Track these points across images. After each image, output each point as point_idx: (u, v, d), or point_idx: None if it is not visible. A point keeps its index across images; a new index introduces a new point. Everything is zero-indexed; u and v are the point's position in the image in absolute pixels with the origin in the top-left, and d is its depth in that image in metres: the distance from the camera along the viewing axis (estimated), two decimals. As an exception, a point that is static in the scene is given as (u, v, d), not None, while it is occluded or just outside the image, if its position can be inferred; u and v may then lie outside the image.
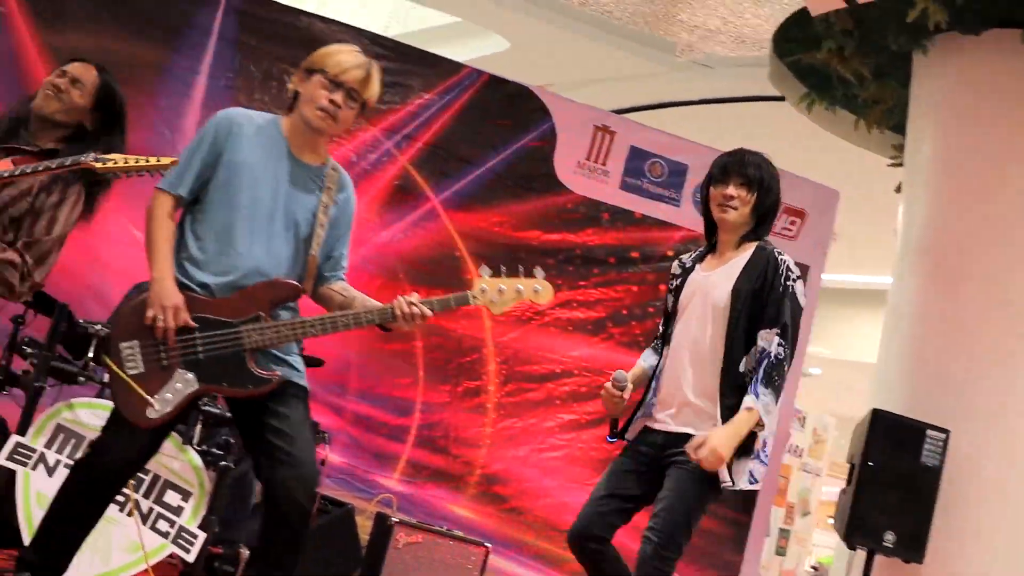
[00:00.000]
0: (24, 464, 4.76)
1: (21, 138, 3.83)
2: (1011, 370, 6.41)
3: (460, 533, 6.01)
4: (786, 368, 4.13)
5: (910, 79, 7.27)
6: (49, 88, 3.78)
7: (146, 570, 4.68)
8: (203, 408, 5.06)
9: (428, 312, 3.75)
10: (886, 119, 7.83)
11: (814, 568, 14.68)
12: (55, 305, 5.09)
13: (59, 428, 4.86)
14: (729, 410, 4.09)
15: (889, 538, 5.96)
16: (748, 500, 7.00)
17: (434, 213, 7.03)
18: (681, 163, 7.30)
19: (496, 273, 3.84)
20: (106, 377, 5.10)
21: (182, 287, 3.70)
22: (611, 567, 4.17)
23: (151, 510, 4.82)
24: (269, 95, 6.82)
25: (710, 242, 4.43)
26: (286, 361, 3.78)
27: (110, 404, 4.89)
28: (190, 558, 4.80)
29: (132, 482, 4.63)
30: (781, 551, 11.26)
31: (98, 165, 3.49)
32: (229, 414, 5.14)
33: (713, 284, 4.25)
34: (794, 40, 7.87)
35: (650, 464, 4.23)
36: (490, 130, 7.11)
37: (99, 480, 3.73)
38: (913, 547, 6.00)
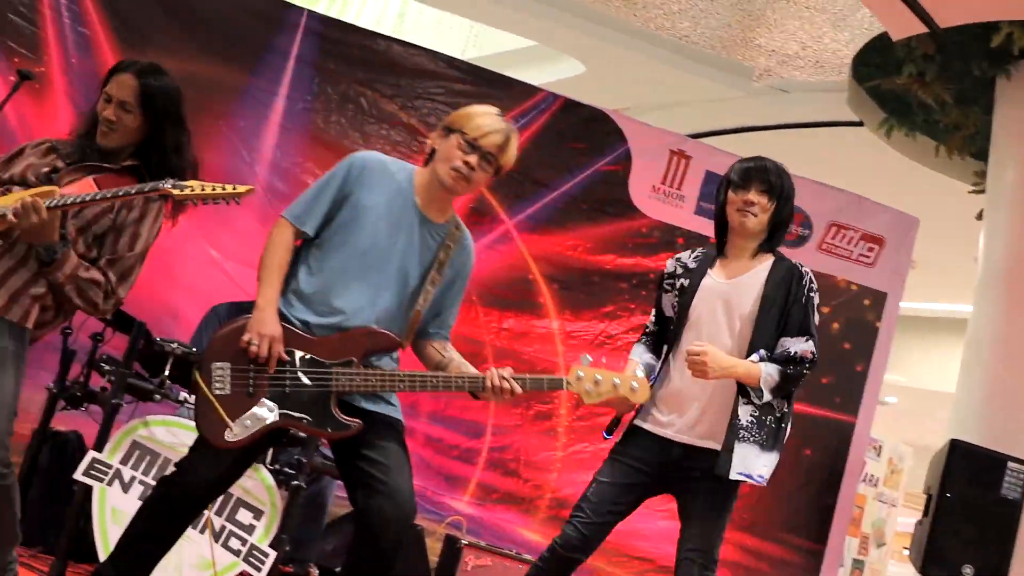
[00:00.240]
0: (100, 480, 4.81)
1: (97, 155, 3.88)
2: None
3: (529, 556, 5.98)
4: (805, 374, 4.18)
5: (993, 105, 7.16)
6: (105, 125, 3.83)
7: (217, 588, 4.72)
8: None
9: (518, 389, 3.72)
10: (967, 145, 7.74)
11: (889, 600, 14.43)
12: (133, 323, 5.15)
13: (135, 445, 4.91)
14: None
15: (967, 572, 5.85)
16: (822, 529, 6.92)
17: (508, 236, 7.03)
18: (757, 188, 7.22)
19: (595, 363, 3.82)
20: (182, 395, 5.17)
21: (282, 318, 3.71)
22: None
23: (223, 528, 4.85)
24: (346, 117, 6.87)
25: (719, 246, 4.40)
26: (381, 397, 3.79)
27: (185, 422, 4.98)
28: (261, 576, 4.82)
29: (206, 501, 4.68)
30: (855, 582, 11.08)
31: (175, 192, 3.52)
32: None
33: (737, 294, 4.23)
34: (874, 65, 7.81)
35: (655, 475, 4.21)
36: (565, 154, 7.10)
37: (181, 499, 3.74)
38: (992, 581, 5.89)
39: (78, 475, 4.80)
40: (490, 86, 7.12)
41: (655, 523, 6.01)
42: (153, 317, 5.56)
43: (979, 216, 7.40)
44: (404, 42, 7.25)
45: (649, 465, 4.23)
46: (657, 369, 4.35)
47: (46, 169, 3.78)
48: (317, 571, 5.70)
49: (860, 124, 8.79)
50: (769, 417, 4.19)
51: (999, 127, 7.10)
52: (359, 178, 3.80)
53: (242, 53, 6.79)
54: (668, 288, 4.41)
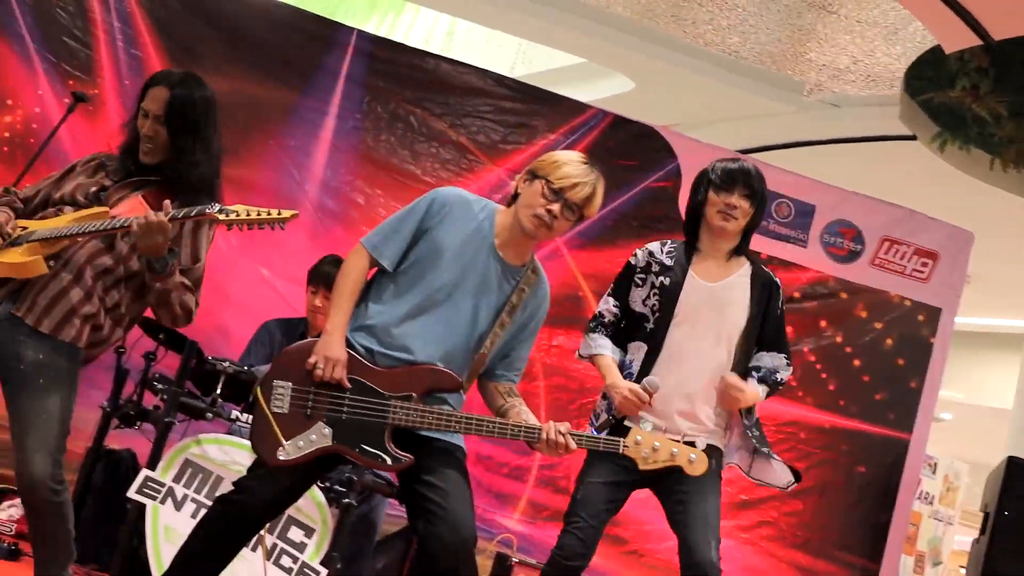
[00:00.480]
0: (153, 498, 4.84)
1: (138, 169, 3.91)
2: None
3: (580, 575, 5.96)
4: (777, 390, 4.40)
5: (1048, 117, 7.08)
6: (145, 142, 3.86)
7: (269, 606, 4.72)
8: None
9: (573, 445, 3.67)
10: (1023, 158, 7.64)
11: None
12: (185, 342, 5.19)
13: (187, 463, 4.94)
14: (723, 426, 4.32)
15: (1025, 591, 5.77)
16: (877, 547, 6.85)
17: (558, 253, 7.01)
18: (808, 204, 7.19)
19: (655, 429, 3.81)
20: (234, 414, 5.20)
21: (348, 345, 3.72)
22: None
23: (275, 546, 4.86)
24: (395, 136, 6.90)
25: (691, 242, 4.40)
26: None
27: (237, 440, 5.00)
28: (312, 594, 4.83)
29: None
30: (911, 601, 10.94)
31: (221, 217, 3.54)
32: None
33: (726, 299, 4.27)
34: (926, 78, 7.74)
35: (643, 476, 4.11)
36: (615, 170, 7.06)
37: (238, 518, 3.75)
38: (1051, 601, 5.80)
39: (131, 493, 4.83)
40: (539, 103, 7.12)
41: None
42: (205, 336, 5.59)
43: (1035, 230, 7.32)
44: (453, 60, 7.27)
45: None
46: (632, 365, 4.31)
47: (94, 189, 3.82)
48: (368, 589, 5.71)
49: (913, 138, 8.71)
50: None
51: (1055, 140, 7.02)
52: (440, 214, 3.80)
53: (292, 73, 6.84)
54: (640, 283, 4.36)
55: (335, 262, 5.29)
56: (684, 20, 9.57)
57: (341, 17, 10.23)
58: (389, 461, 3.67)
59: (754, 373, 4.35)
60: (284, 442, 3.63)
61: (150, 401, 5.39)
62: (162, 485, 4.86)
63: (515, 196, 3.87)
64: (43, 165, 4.78)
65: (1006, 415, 7.11)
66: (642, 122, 7.23)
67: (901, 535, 7.13)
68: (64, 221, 3.67)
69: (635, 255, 4.43)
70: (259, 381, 3.77)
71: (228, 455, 4.94)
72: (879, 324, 7.19)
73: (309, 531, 4.91)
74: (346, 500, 5.02)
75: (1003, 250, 9.87)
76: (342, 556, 5.01)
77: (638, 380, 4.24)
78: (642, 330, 4.30)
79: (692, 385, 4.23)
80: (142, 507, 4.84)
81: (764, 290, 4.32)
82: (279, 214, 3.56)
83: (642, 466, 3.74)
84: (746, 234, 4.37)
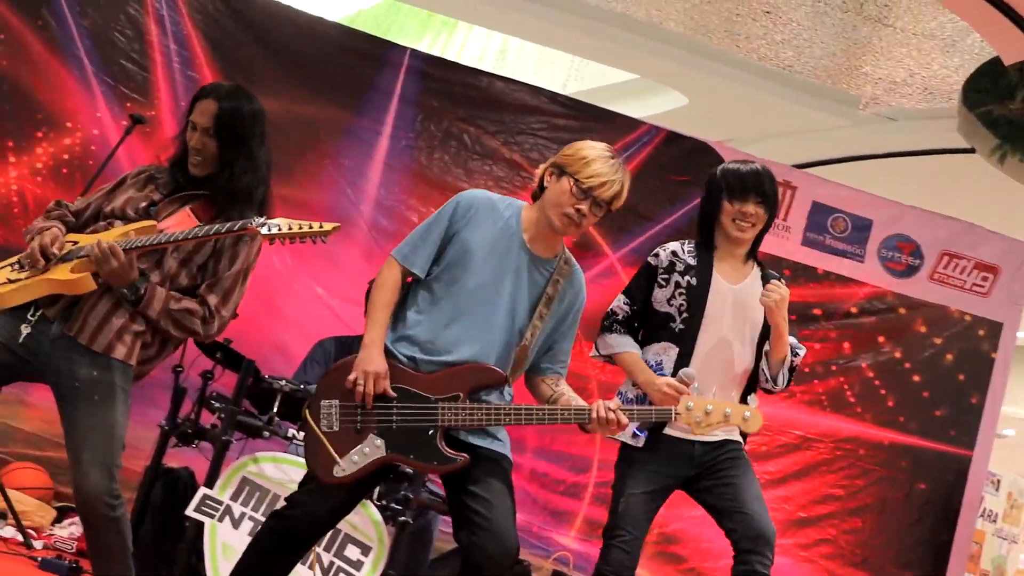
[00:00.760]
0: (211, 516, 4.86)
1: (188, 182, 3.93)
2: None
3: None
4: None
5: (1110, 129, 6.98)
6: (194, 155, 3.87)
7: (326, 624, 4.73)
8: (383, 463, 5.10)
9: (625, 420, 3.69)
10: (1084, 170, 7.54)
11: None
12: (242, 361, 5.22)
13: (244, 481, 4.96)
14: None
15: (1092, 611, 5.66)
16: (938, 566, 6.77)
17: (612, 270, 7.00)
18: (865, 218, 7.14)
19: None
20: (290, 432, 5.22)
21: (390, 355, 3.73)
22: None
23: (332, 564, 4.87)
24: (449, 154, 6.92)
25: (708, 244, 4.36)
26: (489, 432, 3.78)
27: (294, 458, 5.02)
28: (369, 612, 4.83)
29: (313, 536, 4.70)
30: (975, 620, 10.79)
31: (263, 231, 3.55)
32: (409, 469, 5.19)
33: (747, 303, 4.24)
34: (985, 90, 7.66)
35: (680, 476, 4.20)
36: (669, 186, 7.06)
37: (291, 533, 3.77)
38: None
39: (189, 511, 4.86)
40: (592, 120, 7.12)
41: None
42: (261, 354, 5.62)
43: (1098, 243, 7.20)
44: (506, 78, 7.29)
45: (676, 467, 4.20)
46: (663, 366, 4.26)
47: (144, 203, 3.84)
48: (424, 607, 5.70)
49: (971, 151, 8.61)
50: None
51: (1117, 151, 6.92)
52: (466, 217, 3.81)
53: (346, 93, 6.88)
54: (663, 283, 4.31)
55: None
56: (737, 35, 9.53)
57: (394, 36, 10.31)
58: (444, 463, 3.67)
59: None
60: (339, 459, 3.65)
61: (208, 420, 5.43)
62: (220, 503, 4.89)
63: (541, 188, 3.86)
64: (101, 186, 4.84)
65: (1070, 431, 7.00)
66: (696, 138, 7.21)
67: (964, 554, 7.04)
68: (113, 235, 3.69)
69: (656, 255, 4.38)
70: (306, 403, 3.79)
71: (285, 473, 4.96)
72: (938, 339, 7.12)
73: (366, 549, 4.92)
74: (402, 518, 5.03)
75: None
76: (398, 574, 5.01)
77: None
78: (668, 330, 4.25)
79: (724, 385, 4.19)
80: (200, 525, 4.86)
81: None
82: (320, 227, 3.56)
83: (697, 431, 3.76)
84: (757, 240, 4.36)
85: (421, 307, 3.79)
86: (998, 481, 10.89)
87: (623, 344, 4.31)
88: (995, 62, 7.14)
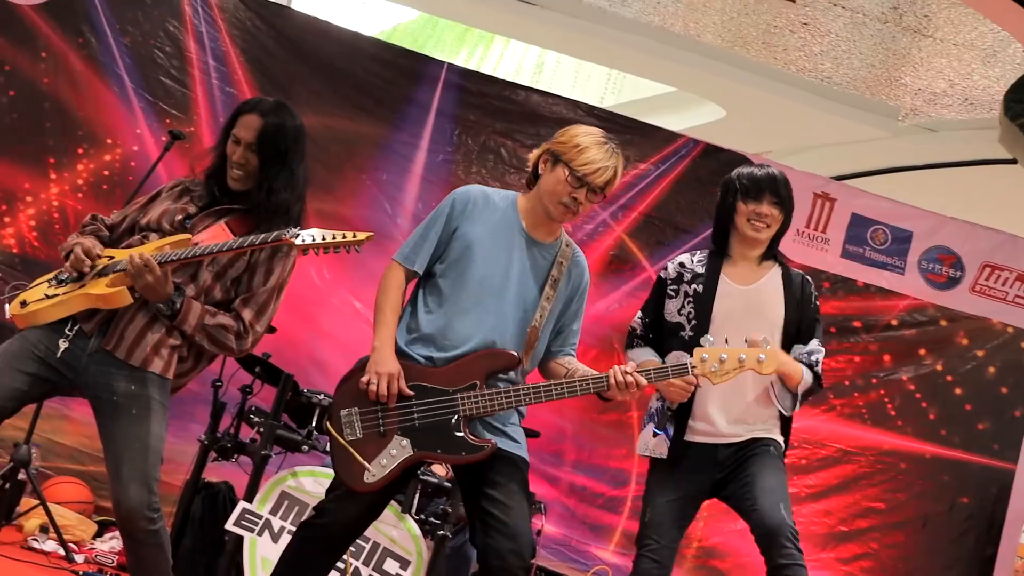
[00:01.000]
0: (251, 530, 4.88)
1: (224, 196, 3.94)
2: None
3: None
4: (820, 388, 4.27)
5: None
6: (235, 167, 3.88)
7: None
8: (421, 477, 5.11)
9: (643, 381, 3.70)
10: None
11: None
12: (281, 376, 5.24)
13: (284, 495, 4.97)
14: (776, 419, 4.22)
15: None
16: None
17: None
18: (905, 230, 7.09)
19: (718, 342, 3.79)
20: (329, 446, 5.23)
21: (405, 356, 3.76)
22: None
23: (370, 578, 4.88)
24: (486, 168, 6.93)
25: (721, 250, 4.34)
26: (504, 432, 3.79)
27: (333, 472, 5.02)
28: (407, 627, 4.83)
29: (352, 549, 4.71)
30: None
31: (296, 242, 3.56)
32: (447, 483, 5.19)
33: (760, 301, 4.22)
34: (1026, 100, 7.59)
35: (708, 481, 4.17)
36: (707, 199, 7.03)
37: (323, 541, 3.80)
38: None
39: (229, 525, 4.88)
40: (630, 133, 7.11)
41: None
42: (300, 369, 5.65)
43: None
44: (543, 91, 7.30)
45: (703, 473, 4.18)
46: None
47: (180, 216, 3.86)
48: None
49: (1012, 162, 8.53)
50: None
51: None
52: (463, 212, 3.86)
53: (384, 107, 6.92)
54: (672, 294, 4.31)
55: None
56: (775, 47, 9.49)
57: (431, 51, 10.34)
58: (472, 452, 3.68)
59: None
60: (367, 465, 3.66)
61: (247, 434, 5.45)
62: (259, 517, 4.90)
63: (535, 176, 3.90)
64: (137, 199, 4.87)
65: (1116, 444, 6.90)
66: (734, 150, 7.19)
67: (1008, 569, 6.96)
68: (148, 249, 3.71)
69: (665, 268, 4.42)
70: (326, 416, 3.80)
71: (324, 487, 4.94)
72: (980, 352, 7.06)
73: (404, 563, 4.92)
74: (440, 532, 5.03)
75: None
76: (437, 588, 5.01)
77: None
78: (679, 339, 4.25)
79: (747, 387, 4.16)
80: (240, 539, 4.88)
81: (796, 287, 4.27)
82: (354, 236, 3.57)
83: (715, 380, 3.77)
84: (775, 240, 4.32)
85: (430, 306, 3.82)
86: (1043, 494, 10.74)
87: (642, 356, 4.32)
88: (1037, 71, 7.07)
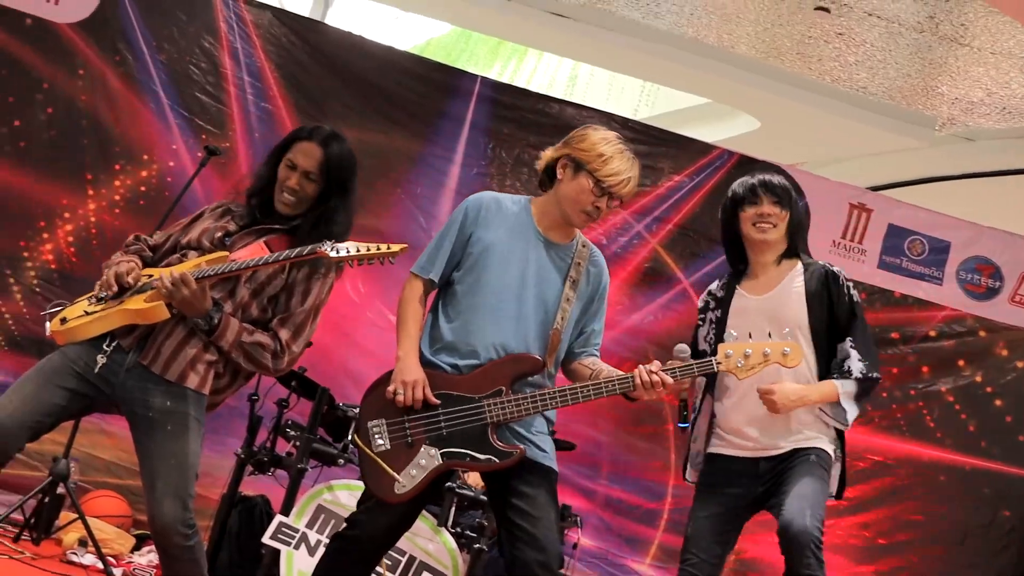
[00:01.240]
0: (288, 544, 4.89)
1: (266, 217, 3.95)
2: None
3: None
4: (874, 375, 4.12)
5: None
6: (288, 192, 3.89)
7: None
8: (457, 491, 5.10)
9: (669, 380, 3.69)
10: None
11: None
12: (317, 389, 5.25)
13: (320, 509, 4.98)
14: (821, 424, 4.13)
15: None
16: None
17: (685, 295, 6.97)
18: (943, 240, 7.05)
19: (741, 339, 3.78)
20: (357, 458, 5.24)
21: (430, 365, 3.77)
22: None
23: (406, 592, 4.87)
24: (520, 181, 6.93)
25: (736, 268, 4.33)
26: (532, 440, 3.78)
27: (367, 485, 5.03)
28: (444, 641, 4.82)
29: (387, 562, 4.71)
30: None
31: (332, 255, 3.58)
32: (483, 496, 5.18)
33: (780, 305, 4.16)
34: (1064, 109, 7.52)
35: (748, 495, 4.11)
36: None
37: (356, 552, 3.81)
38: None
39: (266, 539, 4.89)
40: (664, 145, 7.10)
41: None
42: (336, 383, 5.66)
43: None
44: (577, 104, 7.31)
45: (743, 487, 4.13)
46: (704, 402, 4.27)
47: (219, 234, 3.88)
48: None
49: (1051, 170, 8.48)
50: None
51: None
52: (477, 219, 3.87)
53: (417, 121, 6.93)
54: (701, 323, 4.34)
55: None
56: (810, 57, 9.46)
57: (464, 65, 10.37)
58: (501, 458, 3.69)
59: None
60: (398, 476, 3.67)
61: (283, 448, 5.46)
62: (296, 531, 4.91)
63: (550, 177, 3.91)
64: (179, 217, 4.90)
65: None
66: (769, 161, 7.16)
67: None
68: (186, 266, 3.73)
69: (700, 299, 4.43)
70: (352, 428, 3.81)
71: (359, 501, 4.97)
72: (1020, 363, 7.01)
73: (440, 577, 4.91)
74: (477, 545, 5.02)
75: None
76: (473, 602, 5.00)
77: (718, 411, 4.22)
78: None
79: (755, 400, 4.10)
80: (276, 553, 4.89)
81: (821, 282, 4.19)
82: (388, 248, 3.58)
83: (741, 376, 3.76)
84: (791, 236, 4.27)
85: (450, 314, 3.84)
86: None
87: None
88: (1075, 80, 7.02)
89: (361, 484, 5.07)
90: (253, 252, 3.82)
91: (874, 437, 6.87)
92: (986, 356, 7.01)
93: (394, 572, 4.85)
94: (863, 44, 8.98)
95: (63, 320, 3.80)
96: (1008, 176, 9.97)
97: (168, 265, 3.84)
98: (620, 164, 3.81)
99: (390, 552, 4.58)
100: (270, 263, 3.69)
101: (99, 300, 3.77)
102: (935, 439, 6.92)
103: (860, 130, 10.00)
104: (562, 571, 3.75)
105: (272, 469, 5.40)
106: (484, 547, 5.04)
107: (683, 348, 3.91)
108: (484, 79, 7.10)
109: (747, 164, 7.09)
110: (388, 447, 3.72)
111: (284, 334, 3.82)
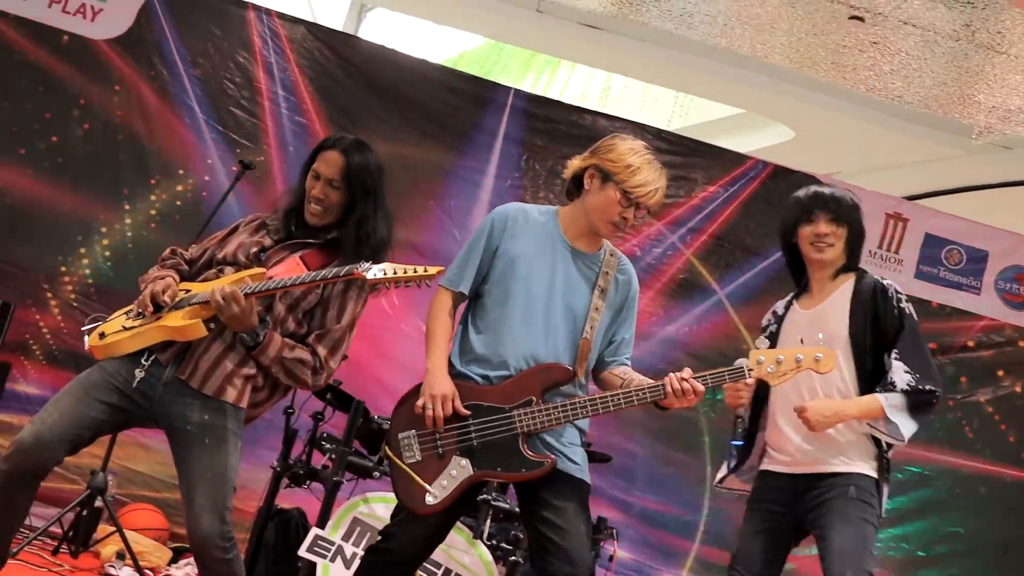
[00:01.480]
0: (323, 556, 4.89)
1: (300, 230, 3.97)
2: None
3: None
4: (931, 390, 4.00)
5: None
6: (314, 203, 3.91)
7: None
8: (493, 503, 5.09)
9: (700, 387, 3.67)
10: None
11: None
12: (352, 402, 5.26)
13: (355, 521, 4.98)
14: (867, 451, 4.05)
15: None
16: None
17: (720, 306, 6.94)
18: (981, 250, 7.00)
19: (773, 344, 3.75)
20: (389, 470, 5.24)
21: (461, 376, 3.77)
22: None
23: (442, 604, 4.86)
24: (554, 193, 6.92)
25: (800, 285, 4.30)
26: (563, 452, 3.77)
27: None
28: (480, 654, 4.81)
29: (423, 575, 4.70)
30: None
31: (368, 276, 3.59)
32: (519, 508, 5.17)
33: (824, 319, 4.11)
34: (1103, 116, 7.46)
35: (793, 513, 4.05)
36: (776, 221, 6.96)
37: (386, 566, 3.81)
38: None
39: (302, 551, 4.89)
40: (698, 156, 7.09)
41: None
42: (371, 395, 5.66)
43: None
44: (610, 115, 7.32)
45: (784, 505, 4.08)
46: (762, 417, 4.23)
47: (255, 249, 3.89)
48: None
49: (1090, 179, 8.40)
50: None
51: None
52: (503, 230, 3.87)
53: (451, 134, 6.95)
54: (764, 337, 4.31)
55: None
56: (844, 67, 9.40)
57: (497, 77, 10.38)
58: (532, 468, 3.68)
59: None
60: (429, 488, 3.67)
61: (319, 460, 5.47)
62: (332, 543, 4.91)
63: (577, 187, 3.90)
64: (214, 231, 4.93)
65: None
66: (804, 171, 7.13)
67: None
68: (224, 282, 3.75)
69: (767, 317, 4.40)
70: (384, 440, 3.81)
71: (395, 513, 4.97)
72: (1061, 372, 6.94)
73: (476, 589, 4.90)
74: (512, 558, 5.00)
75: None
76: (509, 615, 4.99)
77: (752, 425, 4.18)
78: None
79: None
80: (313, 565, 4.90)
81: (867, 296, 4.13)
82: (424, 271, 3.58)
83: (773, 382, 3.73)
84: (851, 251, 4.23)
85: (480, 327, 3.84)
86: None
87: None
88: (1113, 87, 6.95)
89: (396, 497, 5.10)
90: (289, 267, 3.84)
91: (913, 448, 6.81)
92: (1025, 366, 6.97)
93: (429, 585, 4.84)
94: (898, 53, 8.92)
95: (101, 335, 3.83)
96: (1046, 185, 9.89)
97: (205, 280, 3.86)
98: (648, 175, 3.80)
99: (425, 564, 4.59)
100: (307, 283, 3.70)
101: (138, 315, 3.79)
102: (974, 450, 6.86)
103: (896, 139, 9.94)
104: None
105: (308, 482, 5.41)
106: (520, 560, 5.02)
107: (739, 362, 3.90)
108: (517, 91, 7.11)
109: (782, 174, 7.07)
110: (419, 458, 3.72)
111: (322, 350, 3.83)
